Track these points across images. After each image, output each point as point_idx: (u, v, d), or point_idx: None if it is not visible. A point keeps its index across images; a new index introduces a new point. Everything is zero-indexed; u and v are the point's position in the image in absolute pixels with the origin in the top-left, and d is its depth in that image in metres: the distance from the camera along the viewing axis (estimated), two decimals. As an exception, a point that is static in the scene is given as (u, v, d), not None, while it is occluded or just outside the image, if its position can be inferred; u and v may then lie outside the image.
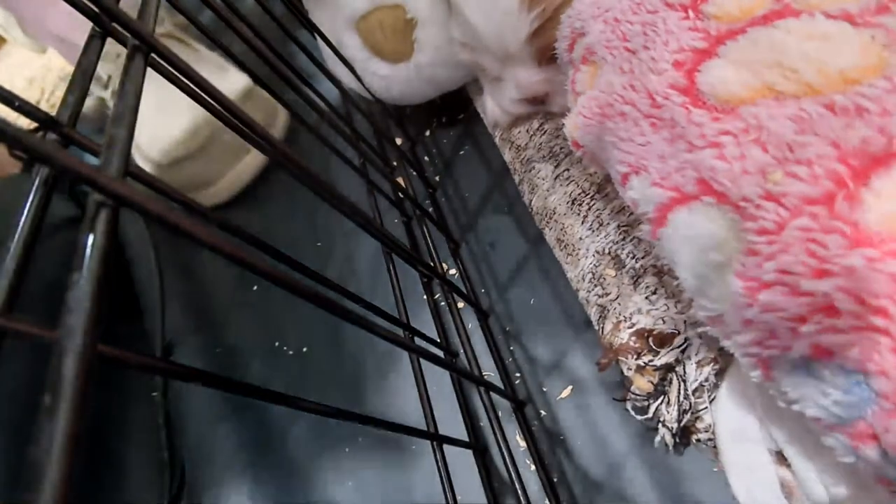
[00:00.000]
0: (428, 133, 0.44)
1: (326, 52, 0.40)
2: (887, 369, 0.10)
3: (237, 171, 0.49)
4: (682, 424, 0.23)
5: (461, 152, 0.41)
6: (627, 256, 0.24)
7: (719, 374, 0.22)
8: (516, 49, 0.29)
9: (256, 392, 0.14)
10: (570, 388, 0.28)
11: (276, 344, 0.39)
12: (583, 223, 0.27)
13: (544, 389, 0.29)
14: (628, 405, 0.25)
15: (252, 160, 0.50)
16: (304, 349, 0.38)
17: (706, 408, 0.23)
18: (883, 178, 0.11)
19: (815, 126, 0.12)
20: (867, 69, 0.13)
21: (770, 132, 0.13)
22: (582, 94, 0.21)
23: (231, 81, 0.49)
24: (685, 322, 0.21)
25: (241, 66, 0.26)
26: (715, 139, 0.14)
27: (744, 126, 0.14)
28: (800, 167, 0.12)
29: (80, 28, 0.15)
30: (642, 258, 0.23)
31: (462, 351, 0.32)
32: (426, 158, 0.43)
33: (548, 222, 0.29)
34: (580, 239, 0.26)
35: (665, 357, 0.21)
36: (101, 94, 0.55)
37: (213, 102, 0.18)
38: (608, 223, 0.26)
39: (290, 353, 0.38)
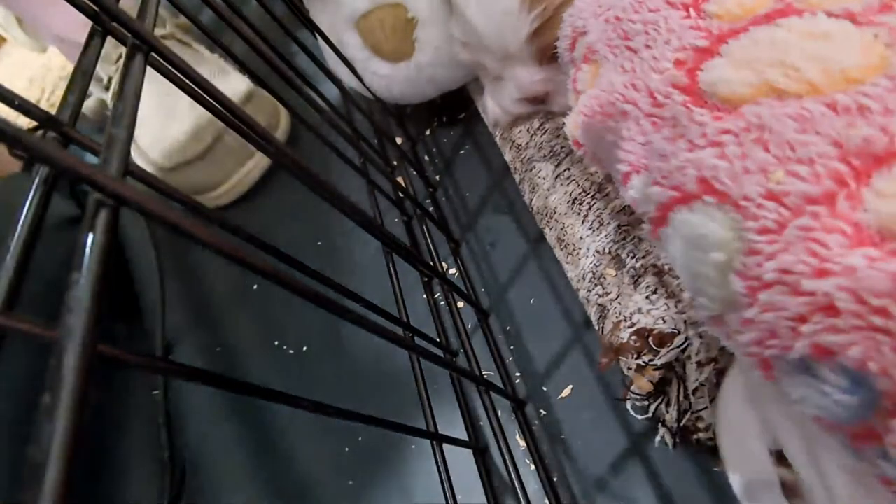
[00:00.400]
0: (428, 132, 0.44)
1: (327, 52, 0.40)
2: (888, 369, 0.10)
3: (240, 175, 0.49)
4: (682, 424, 0.23)
5: (461, 152, 0.41)
6: (628, 256, 0.24)
7: (720, 374, 0.22)
8: (517, 49, 0.29)
9: (256, 391, 0.14)
10: (570, 387, 0.28)
11: (276, 343, 0.39)
12: (583, 223, 0.27)
13: (544, 389, 0.29)
14: (628, 405, 0.25)
15: (255, 164, 0.50)
16: (304, 348, 0.38)
17: (706, 408, 0.23)
18: (884, 177, 0.11)
19: (816, 125, 0.12)
20: (869, 68, 0.13)
21: (772, 131, 0.13)
22: (583, 92, 0.21)
23: (233, 84, 0.49)
24: (685, 322, 0.21)
25: (242, 65, 0.26)
26: (716, 138, 0.14)
27: (745, 125, 0.14)
28: (801, 166, 0.12)
29: (81, 27, 0.15)
30: (643, 258, 0.23)
31: (462, 350, 0.32)
32: (426, 158, 0.43)
33: (548, 222, 0.29)
34: (580, 238, 0.26)
35: (665, 357, 0.21)
36: (101, 95, 0.55)
37: (213, 103, 0.18)
38: (609, 223, 0.25)
39: (291, 352, 0.38)
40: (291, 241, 0.45)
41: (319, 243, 0.43)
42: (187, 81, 0.17)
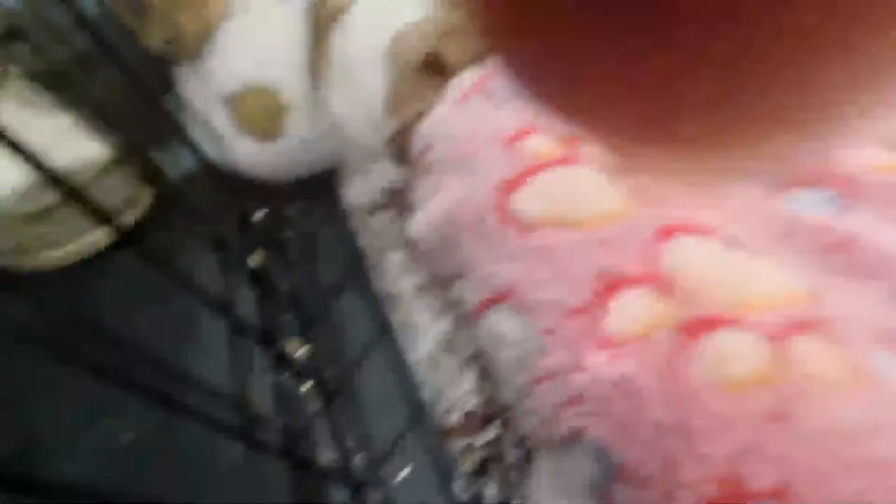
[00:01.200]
0: (290, 211, 0.45)
1: (194, 123, 0.40)
2: (622, 445, 0.13)
3: (84, 241, 0.44)
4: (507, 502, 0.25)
5: (322, 231, 0.42)
6: (460, 344, 0.27)
7: (530, 455, 0.24)
8: (378, 147, 0.32)
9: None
10: (408, 468, 0.29)
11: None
12: (426, 311, 0.29)
13: (384, 470, 0.30)
14: (457, 485, 0.27)
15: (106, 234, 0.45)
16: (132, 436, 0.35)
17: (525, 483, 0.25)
18: (619, 299, 0.15)
19: (582, 252, 0.16)
20: (618, 213, 0.17)
21: (549, 252, 0.16)
22: (425, 200, 0.24)
23: (86, 150, 0.44)
24: (503, 406, 0.24)
25: (94, 124, 0.25)
26: (515, 254, 0.17)
27: (537, 245, 0.17)
28: (569, 283, 0.16)
29: None
30: (473, 347, 0.26)
31: (304, 433, 0.32)
32: (287, 235, 0.43)
33: (395, 307, 0.31)
34: (422, 325, 0.29)
35: (486, 436, 0.24)
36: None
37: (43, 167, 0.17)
38: (447, 313, 0.28)
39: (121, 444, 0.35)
40: (135, 307, 0.41)
41: (165, 309, 0.40)
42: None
